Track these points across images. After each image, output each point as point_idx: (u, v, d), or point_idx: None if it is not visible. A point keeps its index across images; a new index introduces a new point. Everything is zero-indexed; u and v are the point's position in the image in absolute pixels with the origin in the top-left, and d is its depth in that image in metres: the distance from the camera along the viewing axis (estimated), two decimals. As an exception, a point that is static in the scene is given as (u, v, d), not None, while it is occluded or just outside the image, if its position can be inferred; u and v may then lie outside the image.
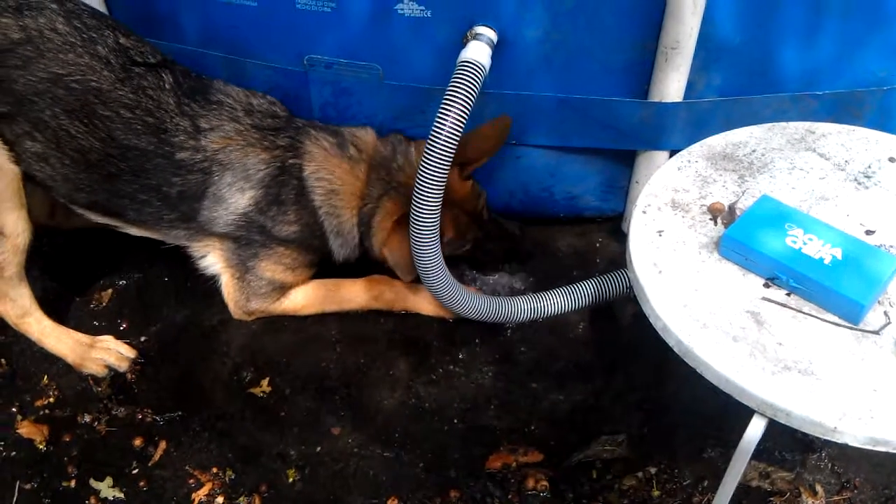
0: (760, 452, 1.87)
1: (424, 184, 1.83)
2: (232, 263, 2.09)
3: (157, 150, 1.95)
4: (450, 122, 1.81)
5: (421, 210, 1.86)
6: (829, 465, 1.89)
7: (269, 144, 2.02)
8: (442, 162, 1.82)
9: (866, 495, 1.84)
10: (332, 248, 2.14)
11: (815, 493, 1.84)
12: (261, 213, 2.03)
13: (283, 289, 2.14)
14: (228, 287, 2.13)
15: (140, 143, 1.94)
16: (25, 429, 1.97)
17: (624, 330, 2.16)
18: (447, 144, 1.81)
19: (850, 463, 1.89)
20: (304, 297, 2.17)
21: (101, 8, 2.15)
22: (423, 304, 2.19)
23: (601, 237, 2.42)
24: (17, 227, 1.92)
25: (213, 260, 2.11)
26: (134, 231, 2.11)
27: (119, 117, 1.91)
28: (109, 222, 2.09)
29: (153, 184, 1.98)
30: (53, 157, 1.93)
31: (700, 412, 1.91)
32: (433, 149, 1.81)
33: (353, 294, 2.19)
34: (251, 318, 2.18)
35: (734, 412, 1.41)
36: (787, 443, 1.90)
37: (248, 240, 2.06)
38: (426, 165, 1.82)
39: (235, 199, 2.01)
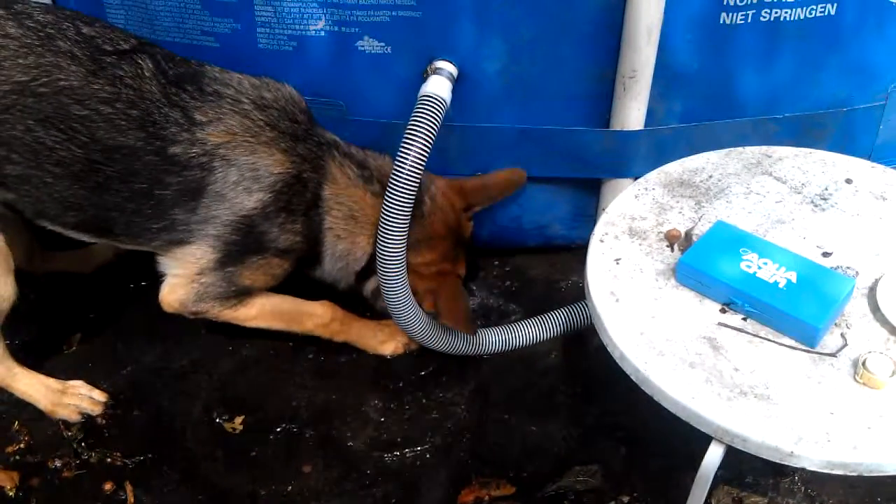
0: (732, 477, 1.87)
1: (389, 218, 1.84)
2: (200, 268, 1.93)
3: (147, 145, 1.79)
4: (412, 156, 1.82)
5: (387, 246, 1.87)
6: (803, 488, 1.87)
7: (286, 148, 1.88)
8: (406, 196, 1.83)
9: (840, 518, 1.83)
10: (324, 266, 2.04)
11: (788, 518, 1.83)
12: (266, 219, 1.89)
13: (246, 295, 2.00)
14: (179, 286, 1.96)
15: (127, 140, 1.78)
16: (-4, 476, 1.97)
17: (595, 359, 2.15)
18: (410, 179, 1.82)
19: (823, 486, 1.87)
20: (259, 310, 2.04)
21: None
22: (370, 342, 2.17)
23: (572, 266, 2.42)
24: (4, 293, 1.89)
25: (175, 263, 1.96)
26: (119, 245, 2.01)
27: (99, 115, 1.76)
28: (98, 240, 1.99)
29: (144, 188, 1.82)
30: (35, 177, 1.80)
31: (672, 440, 1.89)
32: (396, 183, 1.82)
33: (309, 317, 2.10)
34: (191, 317, 2.02)
35: (706, 438, 1.41)
36: (760, 467, 1.88)
37: (238, 245, 1.91)
38: (390, 200, 1.83)
39: (241, 200, 1.86)
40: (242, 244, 1.91)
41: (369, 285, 2.09)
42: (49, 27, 1.78)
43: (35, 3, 1.86)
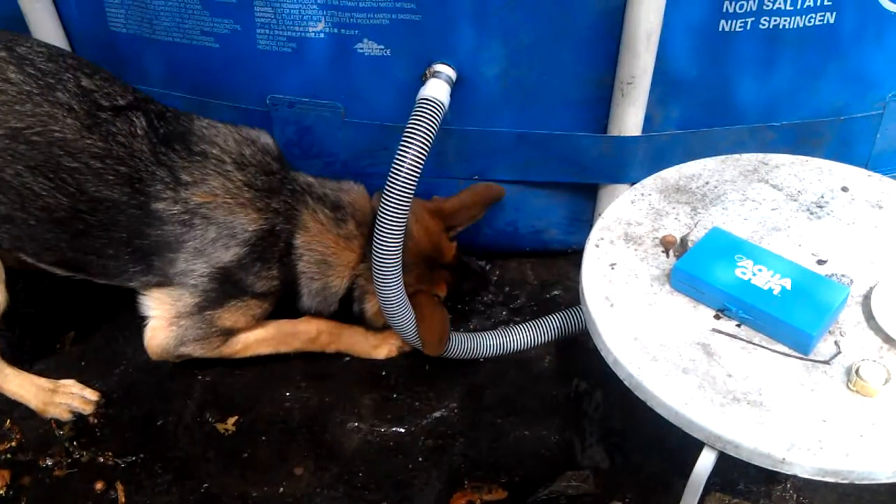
0: (724, 484, 1.86)
1: (387, 221, 1.84)
2: (178, 311, 1.98)
3: (132, 199, 1.84)
4: (409, 159, 1.82)
5: (384, 250, 1.86)
6: (794, 495, 1.87)
7: (261, 206, 1.94)
8: (403, 199, 1.83)
9: (833, 526, 1.83)
10: (304, 302, 2.09)
11: (781, 526, 1.83)
12: (242, 269, 1.95)
13: (230, 335, 2.05)
14: (160, 329, 2.00)
15: (112, 194, 1.82)
16: (-13, 474, 1.96)
17: (589, 364, 2.15)
18: (408, 182, 1.82)
19: (815, 493, 1.87)
20: (244, 343, 2.08)
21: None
22: (362, 348, 2.19)
23: (568, 270, 2.42)
24: None
25: (154, 304, 2.00)
26: (96, 281, 2.02)
27: (88, 168, 1.80)
28: (74, 276, 2.00)
29: (124, 237, 1.87)
30: (18, 217, 1.83)
31: (665, 445, 1.90)
32: (394, 186, 1.82)
33: (295, 336, 2.13)
34: (177, 360, 2.07)
35: (698, 445, 1.41)
36: (752, 474, 1.88)
37: (216, 291, 1.96)
38: (387, 203, 1.83)
39: (218, 254, 1.92)
40: (220, 290, 1.97)
41: (355, 307, 2.12)
42: (49, 76, 1.80)
43: (39, 44, 1.88)
